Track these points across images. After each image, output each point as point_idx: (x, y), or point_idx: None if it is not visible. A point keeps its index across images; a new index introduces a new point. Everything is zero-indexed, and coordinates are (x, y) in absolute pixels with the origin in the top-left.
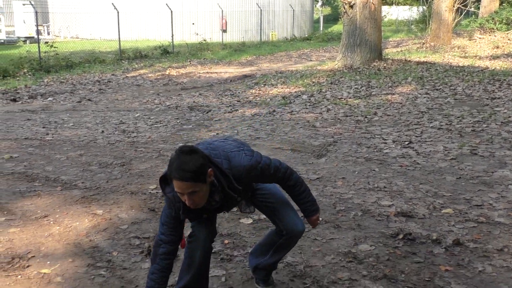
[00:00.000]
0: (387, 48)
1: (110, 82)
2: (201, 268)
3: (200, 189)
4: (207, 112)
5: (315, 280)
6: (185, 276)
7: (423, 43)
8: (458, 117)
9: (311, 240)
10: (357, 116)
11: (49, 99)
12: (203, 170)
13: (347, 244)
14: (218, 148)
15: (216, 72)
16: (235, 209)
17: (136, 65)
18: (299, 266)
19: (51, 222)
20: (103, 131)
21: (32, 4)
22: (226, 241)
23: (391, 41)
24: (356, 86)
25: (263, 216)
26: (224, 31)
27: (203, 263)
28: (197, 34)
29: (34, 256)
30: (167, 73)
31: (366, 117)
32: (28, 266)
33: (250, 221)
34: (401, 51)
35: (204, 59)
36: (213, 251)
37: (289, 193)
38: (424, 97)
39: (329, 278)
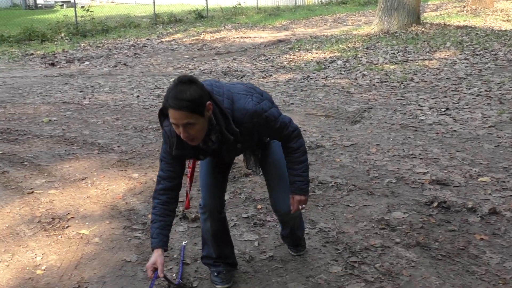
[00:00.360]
0: (425, 12)
1: (145, 46)
2: (218, 237)
3: (196, 121)
4: (241, 77)
5: (347, 246)
6: (206, 246)
7: (464, 7)
8: (498, 83)
9: (344, 207)
10: (392, 82)
11: (85, 63)
12: (201, 101)
13: (380, 211)
14: (223, 87)
15: (250, 37)
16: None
17: (170, 30)
18: (332, 232)
19: (89, 185)
20: (138, 96)
21: None
22: (259, 206)
23: (430, 4)
24: (392, 51)
25: None
26: None
27: (219, 232)
28: None
29: (73, 217)
30: (201, 37)
31: (402, 83)
32: (67, 227)
33: None
34: (440, 15)
35: (238, 23)
36: (246, 215)
37: (286, 157)
38: (463, 63)
39: (361, 245)
